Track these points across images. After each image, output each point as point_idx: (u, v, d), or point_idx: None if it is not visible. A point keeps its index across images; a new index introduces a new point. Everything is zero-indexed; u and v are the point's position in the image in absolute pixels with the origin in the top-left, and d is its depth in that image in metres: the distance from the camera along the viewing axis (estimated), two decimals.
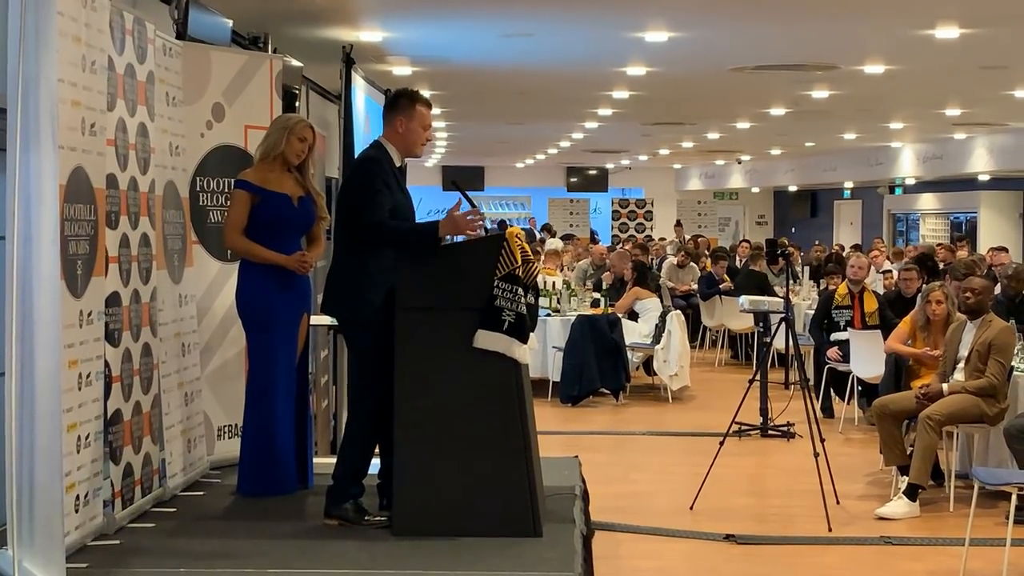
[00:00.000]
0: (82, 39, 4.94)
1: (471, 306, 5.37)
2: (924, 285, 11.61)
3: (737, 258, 19.06)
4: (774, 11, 9.57)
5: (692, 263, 18.21)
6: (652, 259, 18.58)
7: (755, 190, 33.66)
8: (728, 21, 9.99)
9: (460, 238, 5.62)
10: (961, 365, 8.08)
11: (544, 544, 5.24)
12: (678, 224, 28.16)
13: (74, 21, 4.84)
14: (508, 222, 5.79)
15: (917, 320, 8.84)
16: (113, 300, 5.38)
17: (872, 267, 13.80)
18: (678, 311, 13.43)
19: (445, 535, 5.28)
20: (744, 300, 11.24)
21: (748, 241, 21.08)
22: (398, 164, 5.68)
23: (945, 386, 7.98)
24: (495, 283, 5.34)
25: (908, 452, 8.09)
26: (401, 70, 12.53)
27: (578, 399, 12.31)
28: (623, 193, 33.46)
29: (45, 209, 4.31)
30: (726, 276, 16.24)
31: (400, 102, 5.70)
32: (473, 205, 5.79)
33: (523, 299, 5.38)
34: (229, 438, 6.91)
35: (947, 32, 10.05)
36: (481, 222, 5.55)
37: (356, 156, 5.84)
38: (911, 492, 7.77)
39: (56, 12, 4.43)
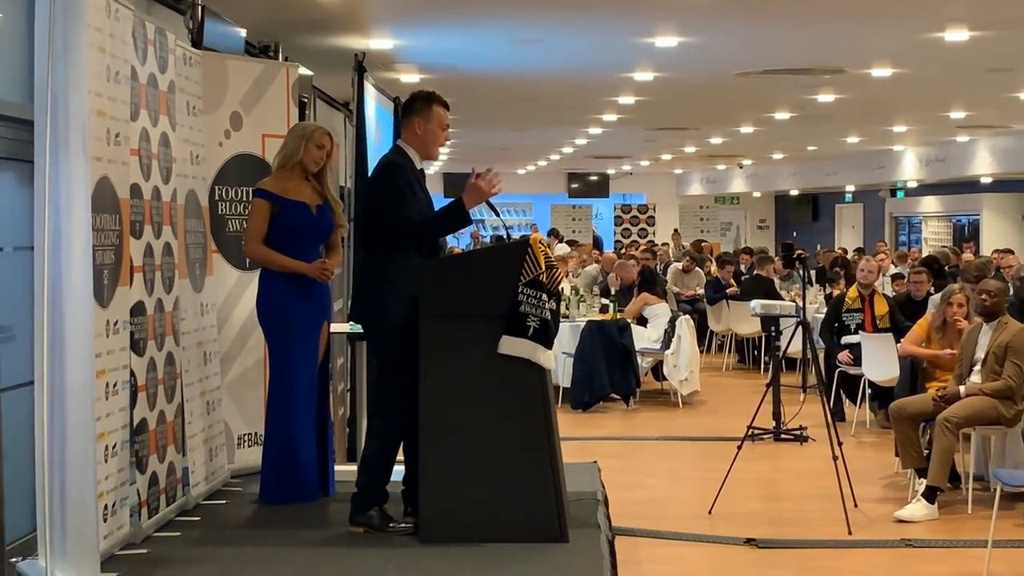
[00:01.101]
0: (106, 49, 4.95)
1: (495, 313, 5.37)
2: (932, 289, 11.66)
3: (741, 265, 19.06)
4: (784, 15, 9.59)
5: (698, 268, 18.23)
6: (658, 264, 18.58)
7: (756, 194, 33.71)
8: (738, 25, 10.01)
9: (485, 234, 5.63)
10: (977, 367, 8.08)
11: (571, 550, 5.25)
12: (675, 233, 28.19)
13: (99, 31, 4.85)
14: (510, 229, 5.81)
15: (933, 323, 8.85)
16: (138, 309, 5.39)
17: (880, 270, 13.82)
18: (687, 316, 13.43)
19: (471, 542, 5.28)
20: (756, 304, 11.25)
21: (750, 250, 21.08)
22: (418, 167, 5.69)
23: (962, 388, 7.98)
24: (520, 289, 5.35)
25: (925, 454, 8.09)
26: (409, 77, 12.55)
27: (589, 405, 12.30)
28: (624, 198, 33.47)
29: (76, 219, 4.31)
30: (732, 281, 16.26)
31: (416, 104, 5.72)
32: (495, 211, 5.82)
33: (547, 304, 5.39)
34: (249, 447, 6.92)
35: (956, 35, 10.08)
36: (498, 177, 5.55)
37: (377, 162, 5.83)
38: (929, 494, 7.77)
39: (85, 22, 4.43)
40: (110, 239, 5.03)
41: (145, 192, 5.51)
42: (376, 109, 10.07)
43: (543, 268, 5.38)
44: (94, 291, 4.77)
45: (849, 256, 20.16)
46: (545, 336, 5.37)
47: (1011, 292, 9.55)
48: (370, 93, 9.60)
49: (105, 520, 4.96)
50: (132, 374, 5.29)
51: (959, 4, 9.18)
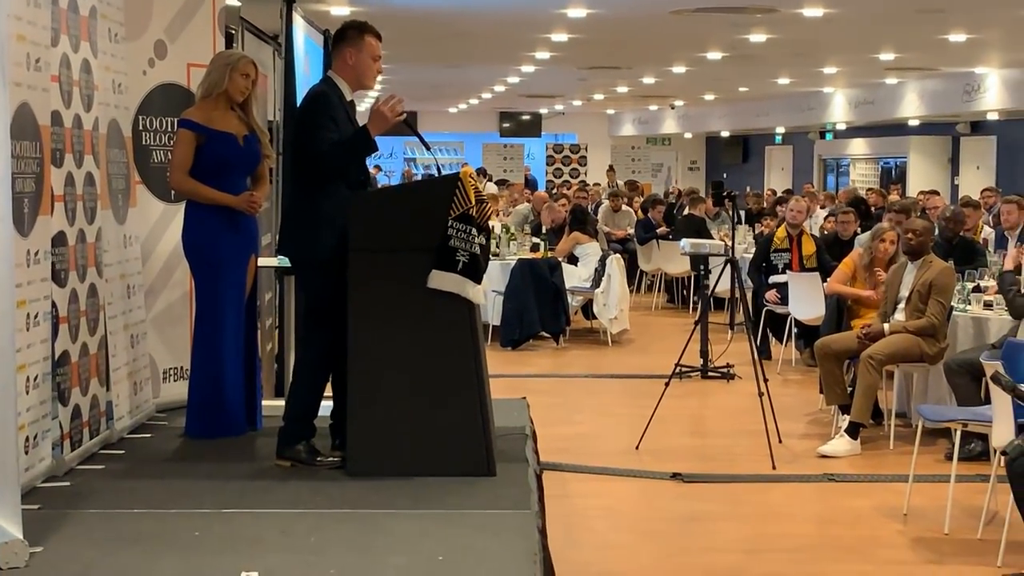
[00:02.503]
0: None
1: (424, 247, 5.33)
2: (859, 229, 11.78)
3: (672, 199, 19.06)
4: None
5: (627, 207, 18.25)
6: (589, 204, 18.58)
7: (687, 136, 33.82)
8: None
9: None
10: (902, 306, 8.17)
11: (499, 483, 5.26)
12: (610, 169, 28.19)
13: None
14: (442, 167, 5.75)
15: (859, 261, 8.94)
16: (59, 240, 5.28)
17: (808, 211, 13.92)
18: (617, 255, 13.46)
19: (399, 475, 5.27)
20: (686, 243, 11.31)
21: (680, 188, 21.17)
22: (349, 99, 5.61)
23: (886, 326, 8.08)
24: (449, 223, 5.31)
25: (848, 391, 8.19)
26: (339, 10, 12.36)
27: (519, 343, 12.33)
28: (556, 139, 33.43)
29: None
30: (662, 221, 16.31)
31: (348, 34, 5.62)
32: (426, 145, 5.77)
33: (477, 239, 5.35)
34: (175, 381, 6.84)
35: None
36: (401, 103, 5.48)
37: (305, 93, 5.73)
38: (852, 430, 7.89)
39: None
40: (30, 167, 4.91)
41: (66, 120, 5.38)
42: (305, 41, 9.93)
43: (473, 203, 5.34)
44: (14, 220, 4.66)
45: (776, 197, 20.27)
46: (474, 271, 5.35)
47: (936, 232, 9.65)
48: (299, 25, 9.46)
49: (26, 452, 4.88)
50: (54, 305, 5.19)
51: None
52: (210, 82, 6.08)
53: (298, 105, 5.74)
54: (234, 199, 6.03)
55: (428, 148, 5.88)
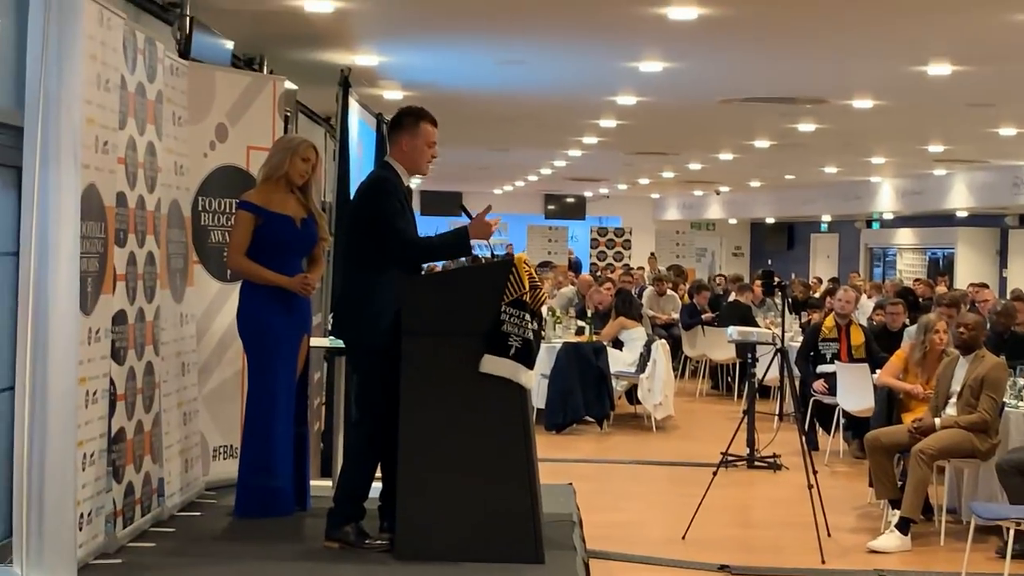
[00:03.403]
0: (98, 57, 4.93)
1: (477, 331, 5.37)
2: (907, 320, 11.73)
3: (717, 288, 19.08)
4: (770, 45, 9.65)
5: (672, 292, 18.26)
6: (633, 288, 18.60)
7: (732, 221, 33.82)
8: (723, 53, 10.06)
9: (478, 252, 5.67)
10: (953, 400, 8.12)
11: (547, 571, 5.25)
12: (652, 256, 28.24)
13: (91, 39, 4.83)
14: (492, 248, 5.81)
15: (911, 355, 8.89)
16: (119, 318, 5.36)
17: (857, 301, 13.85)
18: (663, 340, 13.45)
19: (447, 559, 5.27)
20: (733, 331, 11.25)
21: (724, 276, 21.18)
22: (406, 183, 5.69)
23: (938, 420, 8.02)
24: (503, 308, 5.35)
25: (899, 485, 8.11)
26: (392, 94, 12.55)
27: (563, 427, 12.31)
28: (600, 221, 33.52)
29: (64, 225, 4.30)
30: (707, 307, 16.30)
31: (405, 120, 5.71)
32: None
33: (530, 325, 5.39)
34: (224, 459, 6.89)
35: (939, 69, 10.15)
36: (496, 227, 5.58)
37: (367, 178, 5.82)
38: (903, 525, 7.80)
39: (82, 30, 4.41)
40: (95, 247, 5.01)
41: (130, 201, 5.49)
42: (359, 124, 10.08)
43: (527, 288, 5.38)
44: (78, 298, 4.75)
45: (823, 287, 20.22)
46: (527, 356, 5.38)
47: (987, 326, 9.60)
48: (354, 108, 9.61)
49: (81, 529, 4.93)
50: (112, 383, 5.26)
51: (943, 39, 9.26)
52: (271, 165, 6.19)
53: (357, 188, 5.82)
54: (288, 280, 6.10)
55: None
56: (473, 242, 5.56)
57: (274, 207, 6.14)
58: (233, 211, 6.74)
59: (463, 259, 7.66)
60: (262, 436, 6.13)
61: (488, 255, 5.79)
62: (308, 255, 6.37)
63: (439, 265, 13.51)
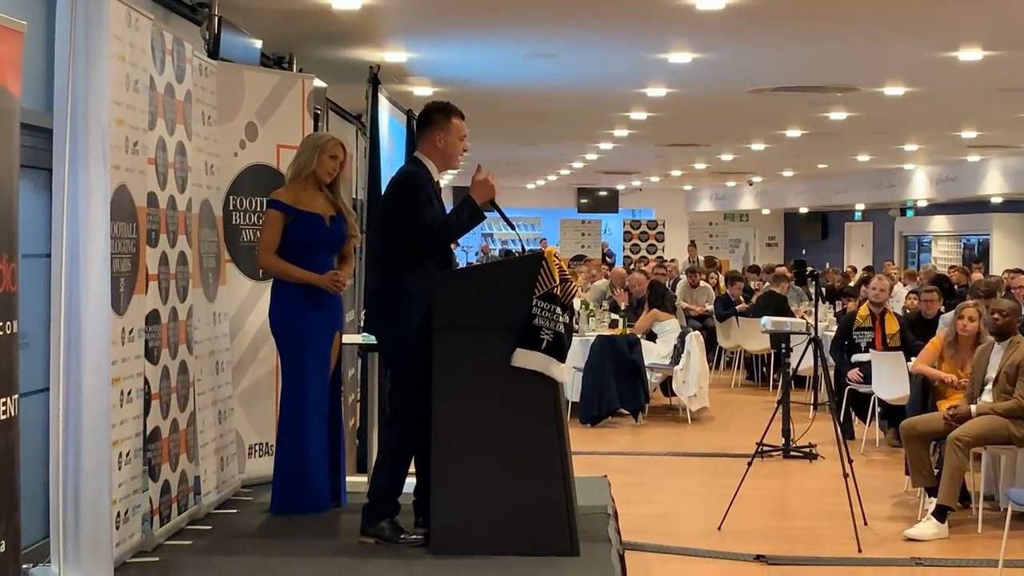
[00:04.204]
0: (126, 58, 4.97)
1: (509, 325, 5.38)
2: (943, 307, 11.66)
3: (750, 283, 19.02)
4: (799, 33, 9.60)
5: (706, 284, 18.21)
6: (667, 280, 18.56)
7: (765, 212, 33.70)
8: (752, 42, 10.02)
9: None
10: (989, 387, 8.07)
11: (582, 563, 5.25)
12: (691, 244, 28.17)
13: (119, 40, 4.87)
14: (525, 243, 5.84)
15: (945, 339, 8.84)
16: (152, 318, 5.40)
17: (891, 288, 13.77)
18: (696, 332, 13.42)
19: (482, 553, 5.28)
20: (767, 321, 11.24)
21: (757, 268, 21.12)
22: (436, 179, 5.70)
23: (973, 407, 7.97)
24: (534, 302, 5.35)
25: (935, 473, 8.07)
26: (422, 90, 12.57)
27: (598, 420, 12.30)
28: (633, 214, 33.49)
29: (95, 227, 4.34)
30: (742, 297, 16.25)
31: (435, 116, 5.72)
32: (511, 224, 5.84)
33: (561, 318, 5.40)
34: (260, 456, 6.93)
35: (970, 54, 10.08)
36: (495, 179, 5.59)
37: (396, 173, 5.84)
38: (940, 513, 7.76)
39: (109, 31, 4.45)
40: (127, 247, 5.04)
41: (161, 201, 5.53)
42: (389, 121, 10.10)
43: (557, 281, 5.39)
44: (111, 299, 4.79)
45: (857, 275, 20.13)
46: (558, 349, 5.39)
47: (1022, 312, 9.52)
48: (384, 105, 9.63)
49: (117, 528, 4.97)
50: (146, 382, 5.30)
51: (974, 24, 9.19)
52: (299, 163, 6.20)
53: (386, 184, 5.83)
54: (319, 278, 6.12)
55: (512, 227, 5.95)
56: (506, 233, 5.57)
57: (303, 205, 6.16)
58: (263, 210, 6.78)
59: (496, 252, 7.65)
60: (296, 434, 6.16)
61: (520, 249, 5.79)
62: (338, 252, 6.39)
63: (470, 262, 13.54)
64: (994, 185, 21.72)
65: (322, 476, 6.23)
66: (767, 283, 16.86)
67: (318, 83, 10.00)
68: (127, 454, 5.06)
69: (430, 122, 5.71)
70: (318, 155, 6.20)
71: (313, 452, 6.19)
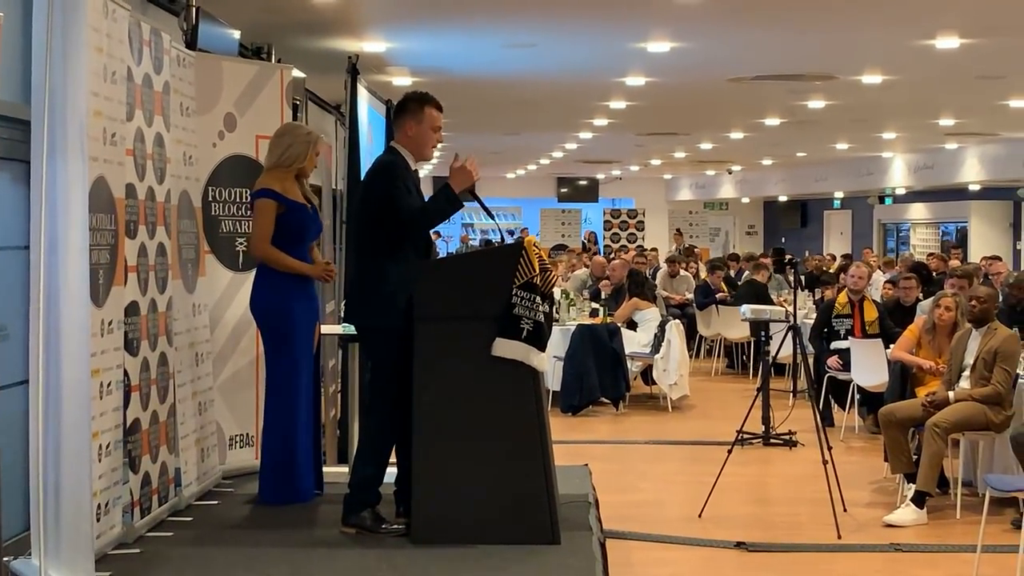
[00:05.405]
0: (103, 49, 4.95)
1: (489, 315, 5.39)
2: (921, 295, 11.71)
3: (730, 271, 19.09)
4: (777, 22, 9.63)
5: (686, 272, 18.25)
6: (648, 269, 18.60)
7: (745, 200, 33.79)
8: (730, 31, 10.05)
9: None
10: (967, 373, 8.11)
11: (564, 552, 5.26)
12: (678, 232, 28.22)
13: (96, 31, 4.85)
14: (505, 232, 5.83)
15: (923, 326, 8.89)
16: (132, 309, 5.39)
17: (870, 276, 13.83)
18: (677, 320, 13.45)
19: (464, 543, 5.29)
20: (746, 309, 11.29)
21: (737, 256, 21.19)
22: (413, 168, 5.70)
23: (951, 394, 8.02)
24: (514, 291, 5.36)
25: (913, 459, 8.12)
26: (401, 80, 12.56)
27: (578, 408, 12.33)
28: (614, 203, 33.53)
29: (73, 219, 4.32)
30: (723, 286, 16.30)
31: (409, 106, 5.71)
32: (490, 214, 5.84)
33: (541, 307, 5.41)
34: (240, 448, 6.92)
35: (947, 42, 10.12)
36: (472, 165, 5.61)
37: (372, 163, 5.83)
38: (919, 499, 7.80)
39: (87, 22, 4.43)
40: (106, 239, 5.03)
41: (140, 192, 5.52)
42: (368, 111, 10.08)
43: (537, 271, 5.40)
44: (90, 291, 4.78)
45: (836, 263, 20.21)
46: (538, 338, 5.40)
47: (1000, 299, 9.58)
48: (363, 95, 9.61)
49: (98, 520, 4.96)
50: (126, 374, 5.29)
51: (950, 12, 9.23)
52: (292, 155, 6.14)
53: (364, 174, 5.83)
54: (312, 268, 6.15)
55: (492, 216, 5.96)
56: (484, 218, 5.58)
57: (289, 195, 6.15)
58: (244, 200, 6.78)
59: (476, 243, 7.67)
60: (285, 422, 6.15)
61: (500, 239, 5.80)
62: (316, 241, 6.39)
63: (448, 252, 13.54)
64: (972, 172, 21.82)
65: (308, 466, 6.25)
66: (746, 272, 16.90)
67: (297, 73, 9.99)
68: (107, 446, 5.05)
69: (405, 111, 5.71)
70: (309, 150, 6.20)
71: (302, 442, 6.20)
